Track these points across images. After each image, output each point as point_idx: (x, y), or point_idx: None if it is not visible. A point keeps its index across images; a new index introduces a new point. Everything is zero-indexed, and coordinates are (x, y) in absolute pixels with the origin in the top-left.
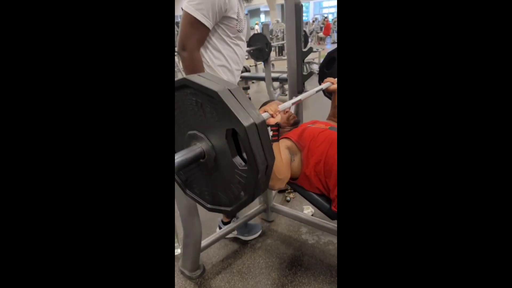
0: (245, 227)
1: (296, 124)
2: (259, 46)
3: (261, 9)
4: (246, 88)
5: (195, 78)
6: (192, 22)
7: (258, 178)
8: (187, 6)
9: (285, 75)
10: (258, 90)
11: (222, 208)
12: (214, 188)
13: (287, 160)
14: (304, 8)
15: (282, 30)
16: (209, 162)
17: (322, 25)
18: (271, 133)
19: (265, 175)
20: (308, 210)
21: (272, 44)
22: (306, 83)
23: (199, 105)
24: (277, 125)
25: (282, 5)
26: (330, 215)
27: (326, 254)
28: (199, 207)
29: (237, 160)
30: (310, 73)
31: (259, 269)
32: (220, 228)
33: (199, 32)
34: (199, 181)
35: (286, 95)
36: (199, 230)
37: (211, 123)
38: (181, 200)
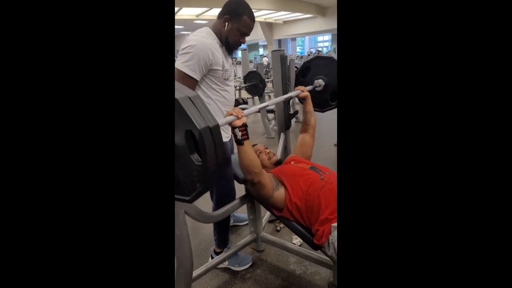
0: (236, 258)
1: (278, 163)
2: (254, 83)
3: (260, 43)
4: None
5: None
6: (183, 76)
7: (209, 172)
8: (178, 64)
9: None
10: (254, 121)
11: (181, 197)
12: (176, 179)
13: (269, 178)
14: (300, 42)
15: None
16: None
17: None
18: (240, 134)
19: (216, 169)
20: (296, 240)
21: (269, 76)
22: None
23: None
24: (244, 125)
25: (279, 40)
26: (313, 246)
27: (312, 284)
28: (192, 241)
29: (194, 156)
30: (296, 112)
31: None
32: (212, 258)
33: (189, 83)
34: None
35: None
36: (191, 262)
37: (176, 125)
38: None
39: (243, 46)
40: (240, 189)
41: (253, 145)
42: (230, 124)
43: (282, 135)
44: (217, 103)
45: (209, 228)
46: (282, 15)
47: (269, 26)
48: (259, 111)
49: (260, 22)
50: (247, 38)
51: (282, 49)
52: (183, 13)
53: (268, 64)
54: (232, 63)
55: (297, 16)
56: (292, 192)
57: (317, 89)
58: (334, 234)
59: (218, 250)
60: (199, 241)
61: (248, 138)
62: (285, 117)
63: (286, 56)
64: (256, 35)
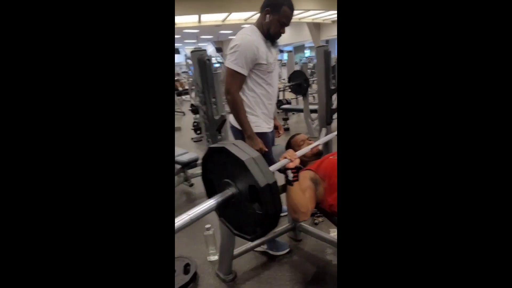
0: (274, 243)
1: (319, 155)
2: (299, 82)
3: (306, 45)
4: (286, 119)
5: (230, 146)
6: (232, 73)
7: (268, 220)
8: (228, 62)
9: None
10: (297, 120)
11: (243, 235)
12: (240, 220)
13: (311, 191)
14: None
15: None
16: (237, 202)
17: None
18: (291, 175)
19: (273, 219)
20: (334, 233)
21: (314, 76)
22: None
23: (233, 164)
24: (296, 167)
25: (326, 41)
26: None
27: None
28: None
29: (255, 205)
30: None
31: (283, 281)
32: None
33: (238, 79)
34: (230, 214)
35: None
36: (233, 240)
37: (240, 177)
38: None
39: (288, 48)
40: (279, 178)
41: (297, 134)
42: (283, 166)
43: (324, 130)
44: (261, 96)
45: None
46: (331, 15)
47: (316, 27)
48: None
49: (308, 23)
50: (293, 40)
51: (326, 45)
52: (231, 18)
53: (314, 64)
54: (276, 57)
55: None
56: (333, 185)
57: None
58: None
59: None
60: None
61: (298, 180)
62: (327, 112)
63: (330, 51)
64: (302, 36)
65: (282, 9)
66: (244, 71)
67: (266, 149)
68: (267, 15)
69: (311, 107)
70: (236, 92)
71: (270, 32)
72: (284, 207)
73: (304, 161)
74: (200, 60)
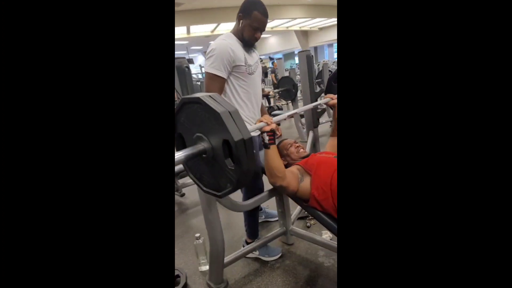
0: (266, 249)
1: (305, 157)
2: (287, 88)
3: (296, 52)
4: (278, 124)
5: (206, 98)
6: (211, 77)
7: (240, 177)
8: (206, 67)
9: None
10: (289, 126)
11: (213, 191)
12: (210, 176)
13: (294, 173)
14: (334, 49)
15: (314, 70)
16: (209, 157)
17: None
18: (267, 138)
19: (246, 176)
20: (326, 235)
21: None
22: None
23: (207, 117)
24: (272, 130)
25: (315, 47)
26: None
27: None
28: (226, 234)
29: (228, 161)
30: (323, 110)
31: (276, 287)
32: (243, 247)
33: (217, 82)
34: (200, 169)
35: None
36: (222, 247)
37: (213, 131)
38: (207, 217)
39: (278, 55)
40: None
41: (284, 139)
42: (260, 129)
43: (311, 133)
44: (244, 98)
45: (241, 223)
46: (318, 22)
47: (304, 34)
48: (285, 119)
49: (295, 31)
50: (282, 48)
51: (308, 49)
52: (221, 28)
53: None
54: (260, 60)
55: (333, 22)
56: (317, 178)
57: None
58: None
59: (249, 241)
60: (233, 234)
61: (274, 143)
62: (313, 115)
63: (312, 56)
64: (291, 44)
65: (253, 14)
66: (222, 74)
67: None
68: (240, 21)
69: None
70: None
71: (244, 37)
72: (274, 211)
73: (290, 163)
74: (179, 68)
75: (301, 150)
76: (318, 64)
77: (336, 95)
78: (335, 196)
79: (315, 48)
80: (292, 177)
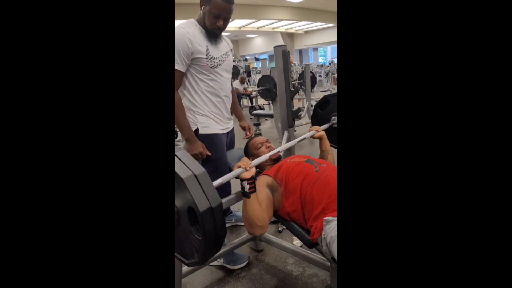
0: (232, 256)
1: (277, 160)
2: (267, 87)
3: None
4: (257, 124)
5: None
6: None
7: (207, 249)
8: None
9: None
10: (271, 126)
11: (180, 257)
12: (176, 239)
13: (268, 200)
14: (322, 52)
15: (298, 72)
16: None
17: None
18: (248, 186)
19: (214, 246)
20: (297, 241)
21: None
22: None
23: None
24: (252, 178)
25: (300, 50)
26: (309, 245)
27: (309, 286)
28: None
29: (194, 228)
30: (298, 110)
31: None
32: None
33: (175, 76)
34: None
35: (295, 130)
36: None
37: (179, 193)
38: None
39: (263, 56)
40: (236, 184)
41: (255, 136)
42: (237, 177)
43: (286, 133)
44: (206, 93)
45: None
46: (303, 25)
47: (290, 36)
48: (267, 160)
49: (281, 33)
50: (267, 49)
51: (284, 44)
52: None
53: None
54: (231, 51)
55: (318, 25)
56: (288, 191)
57: (335, 125)
58: (326, 228)
59: None
60: None
61: (255, 191)
62: (288, 114)
63: (288, 51)
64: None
65: (213, 0)
66: (179, 66)
67: (208, 153)
68: (202, 7)
69: None
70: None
71: (207, 25)
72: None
73: (262, 166)
74: None
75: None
76: (302, 66)
77: (321, 127)
78: (305, 206)
79: (300, 51)
80: (268, 207)
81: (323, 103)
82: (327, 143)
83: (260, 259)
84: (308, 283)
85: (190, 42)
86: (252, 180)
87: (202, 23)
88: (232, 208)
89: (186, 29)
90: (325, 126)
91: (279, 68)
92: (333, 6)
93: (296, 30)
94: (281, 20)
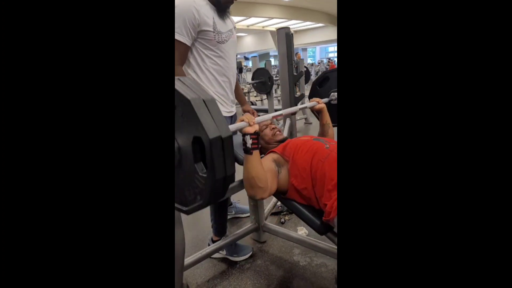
0: (235, 248)
1: (282, 141)
2: (262, 80)
3: (271, 54)
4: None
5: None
6: None
7: (214, 187)
8: None
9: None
10: None
11: (179, 206)
12: (176, 186)
13: (272, 171)
14: (311, 53)
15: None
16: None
17: (327, 66)
18: (250, 141)
19: (222, 186)
20: (302, 231)
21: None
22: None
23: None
24: (256, 133)
25: None
26: (320, 231)
27: (318, 276)
28: (190, 232)
29: (199, 166)
30: (302, 95)
31: None
32: (209, 246)
33: (178, 49)
34: None
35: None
36: (182, 246)
37: (181, 126)
38: None
39: (253, 55)
40: (239, 173)
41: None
42: (240, 130)
43: (288, 119)
44: (212, 71)
45: (208, 219)
46: (293, 24)
47: None
48: (270, 120)
49: (271, 32)
50: (257, 48)
51: (288, 26)
52: None
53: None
54: (235, 28)
55: (308, 25)
56: (296, 166)
57: (333, 102)
58: None
59: (215, 239)
60: (197, 231)
61: (258, 148)
62: (291, 100)
63: (292, 34)
64: (267, 45)
65: None
66: (184, 39)
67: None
68: None
69: (277, 107)
70: (178, 65)
71: None
72: (246, 207)
73: (266, 148)
74: None
75: (278, 132)
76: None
77: (322, 99)
78: (316, 184)
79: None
80: (273, 179)
81: (323, 80)
82: (327, 116)
83: (264, 250)
84: (317, 272)
85: (197, 12)
86: (256, 136)
87: None
88: (232, 199)
89: None
90: (325, 99)
91: (282, 52)
92: (323, 6)
93: None
94: (272, 18)
